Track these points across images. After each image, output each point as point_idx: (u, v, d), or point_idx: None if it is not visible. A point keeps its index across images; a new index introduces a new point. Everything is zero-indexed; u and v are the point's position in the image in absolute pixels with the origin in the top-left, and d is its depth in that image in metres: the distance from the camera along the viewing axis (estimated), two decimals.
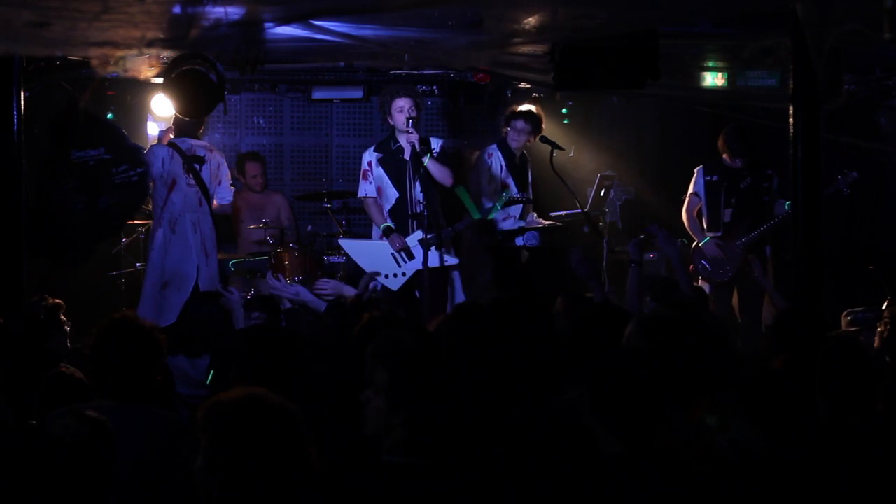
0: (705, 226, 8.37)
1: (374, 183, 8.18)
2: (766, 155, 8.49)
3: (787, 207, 8.26)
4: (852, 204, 9.19)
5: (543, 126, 8.62)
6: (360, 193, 8.26)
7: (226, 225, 8.94)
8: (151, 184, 8.01)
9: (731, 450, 3.38)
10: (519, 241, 8.31)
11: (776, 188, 8.38)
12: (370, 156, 8.24)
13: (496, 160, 8.49)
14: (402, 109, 8.01)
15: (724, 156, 8.32)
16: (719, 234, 8.27)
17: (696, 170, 8.52)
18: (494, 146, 8.56)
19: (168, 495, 3.55)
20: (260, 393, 2.72)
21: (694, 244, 8.31)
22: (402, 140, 8.10)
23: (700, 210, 8.46)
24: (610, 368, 3.21)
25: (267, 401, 2.70)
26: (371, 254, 7.94)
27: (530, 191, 8.66)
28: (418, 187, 7.97)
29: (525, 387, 4.09)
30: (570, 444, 2.88)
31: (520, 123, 8.50)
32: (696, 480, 3.06)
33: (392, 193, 8.13)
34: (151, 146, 8.08)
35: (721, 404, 3.67)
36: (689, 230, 8.45)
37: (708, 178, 8.38)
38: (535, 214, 8.77)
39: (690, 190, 8.50)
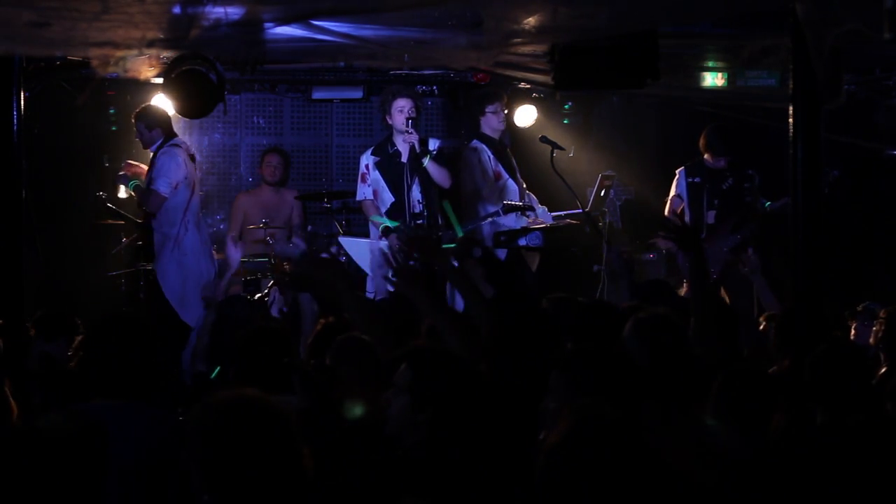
0: None
1: (371, 186, 8.18)
2: (750, 154, 8.51)
3: (766, 207, 8.29)
4: (852, 203, 9.19)
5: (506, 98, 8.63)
6: (359, 197, 8.26)
7: None
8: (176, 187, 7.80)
9: (728, 451, 3.38)
10: (522, 242, 8.31)
11: (758, 188, 8.41)
12: (367, 159, 8.24)
13: (484, 153, 8.48)
14: (402, 110, 8.00)
15: (706, 156, 8.35)
16: (703, 235, 8.30)
17: (677, 171, 8.54)
18: (476, 141, 8.54)
19: (166, 496, 3.55)
20: (250, 394, 2.71)
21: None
22: (400, 142, 8.10)
23: (682, 212, 8.49)
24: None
25: (257, 402, 2.68)
26: (371, 253, 7.93)
27: (518, 174, 8.65)
28: (416, 189, 7.97)
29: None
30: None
31: (494, 106, 8.49)
32: (689, 482, 3.06)
33: (388, 198, 8.12)
34: (171, 149, 7.83)
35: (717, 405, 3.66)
36: None
37: (690, 179, 8.41)
38: (546, 208, 8.75)
39: (672, 192, 8.52)
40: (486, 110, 8.49)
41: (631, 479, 2.53)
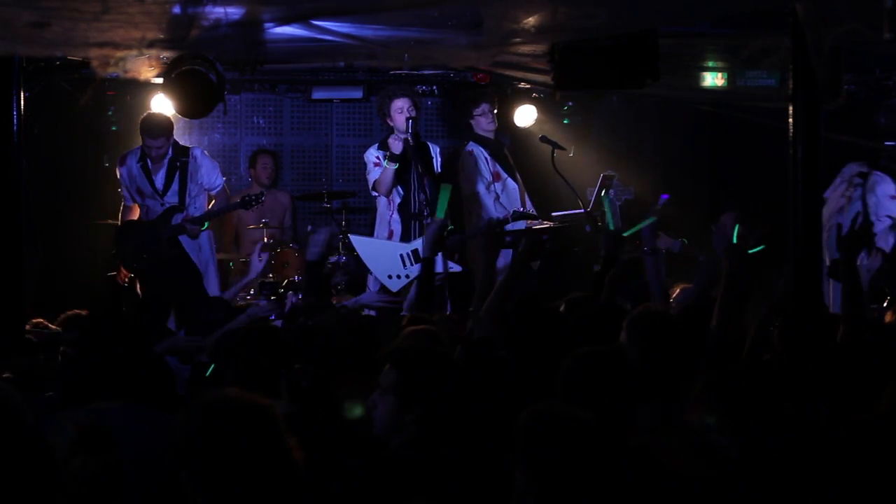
0: None
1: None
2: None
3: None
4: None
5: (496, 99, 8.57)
6: (374, 177, 8.25)
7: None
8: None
9: (731, 448, 3.37)
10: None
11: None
12: (376, 152, 8.27)
13: (479, 154, 8.49)
14: (401, 110, 8.03)
15: None
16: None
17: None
18: (471, 143, 8.56)
19: (167, 498, 3.55)
20: (232, 394, 2.72)
21: None
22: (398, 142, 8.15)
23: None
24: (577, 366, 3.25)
25: (239, 401, 2.69)
26: (379, 253, 7.94)
27: (517, 173, 8.64)
28: (419, 189, 7.99)
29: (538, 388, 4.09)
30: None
31: (484, 106, 8.49)
32: (677, 480, 3.06)
33: (398, 191, 8.18)
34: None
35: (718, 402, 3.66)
36: None
37: None
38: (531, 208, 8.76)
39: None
40: (474, 113, 8.51)
41: (611, 480, 2.56)
